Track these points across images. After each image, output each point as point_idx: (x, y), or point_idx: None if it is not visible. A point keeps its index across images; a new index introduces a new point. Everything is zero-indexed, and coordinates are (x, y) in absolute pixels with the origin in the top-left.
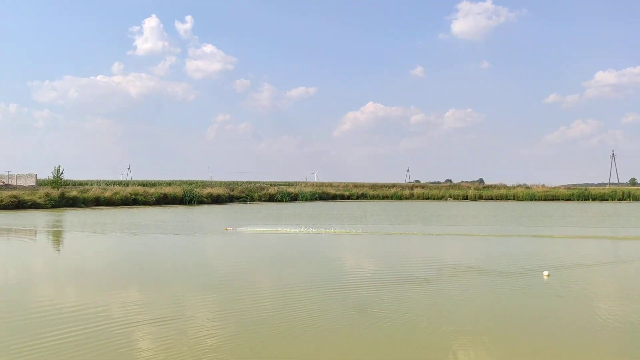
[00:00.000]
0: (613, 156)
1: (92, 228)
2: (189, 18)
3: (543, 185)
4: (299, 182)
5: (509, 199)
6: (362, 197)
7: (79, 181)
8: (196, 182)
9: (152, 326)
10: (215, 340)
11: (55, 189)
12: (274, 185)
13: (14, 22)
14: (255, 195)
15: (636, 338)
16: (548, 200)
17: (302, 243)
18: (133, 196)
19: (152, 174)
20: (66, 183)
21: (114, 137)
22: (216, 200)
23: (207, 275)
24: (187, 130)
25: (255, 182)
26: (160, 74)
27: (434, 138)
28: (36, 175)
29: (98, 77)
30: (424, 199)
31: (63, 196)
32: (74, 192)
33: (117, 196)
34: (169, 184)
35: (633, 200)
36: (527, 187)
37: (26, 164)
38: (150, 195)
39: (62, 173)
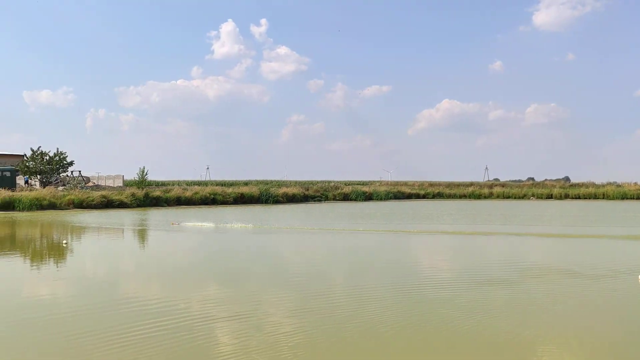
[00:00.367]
0: None
1: (175, 227)
2: (263, 21)
3: (635, 183)
4: (373, 181)
5: (597, 198)
6: (438, 196)
7: (162, 181)
8: (272, 181)
9: (229, 321)
10: (290, 336)
11: (140, 189)
12: (348, 184)
13: (103, 33)
14: (330, 194)
15: None
16: None
17: (377, 244)
18: (212, 196)
19: (230, 174)
20: (150, 183)
21: (193, 139)
22: (291, 199)
23: (283, 274)
24: (263, 130)
25: (329, 182)
26: (236, 77)
27: (515, 135)
28: (123, 176)
29: (178, 82)
30: (504, 198)
31: (147, 196)
32: (157, 192)
33: (197, 196)
34: (246, 183)
35: None
36: (618, 185)
37: (113, 165)
38: (228, 195)
39: (146, 174)
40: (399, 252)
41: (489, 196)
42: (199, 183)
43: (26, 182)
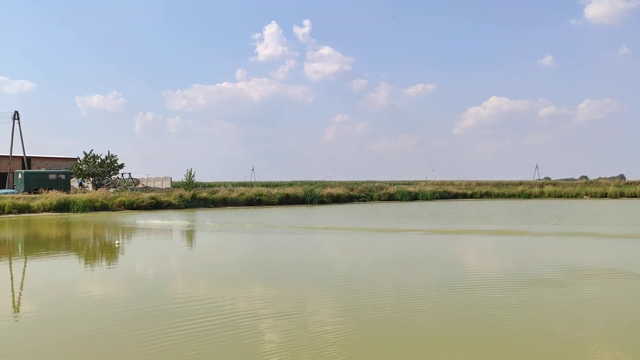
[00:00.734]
0: None
1: (222, 227)
2: (306, 22)
3: None
4: (419, 181)
5: None
6: (486, 195)
7: (208, 183)
8: (316, 182)
9: (274, 319)
10: (335, 335)
11: (188, 190)
12: (393, 184)
13: (150, 39)
14: (375, 194)
15: None
16: None
17: (422, 243)
18: (257, 197)
19: (274, 175)
20: (197, 185)
21: (238, 141)
22: (336, 200)
23: (328, 273)
24: (307, 131)
25: (374, 182)
26: (280, 78)
27: (566, 131)
28: (171, 178)
29: (223, 84)
30: (556, 197)
31: (194, 197)
32: (204, 194)
33: (243, 197)
34: (291, 184)
35: None
36: None
37: (161, 167)
38: (274, 196)
39: (193, 176)
40: (445, 252)
41: (540, 195)
42: (244, 184)
43: (80, 184)
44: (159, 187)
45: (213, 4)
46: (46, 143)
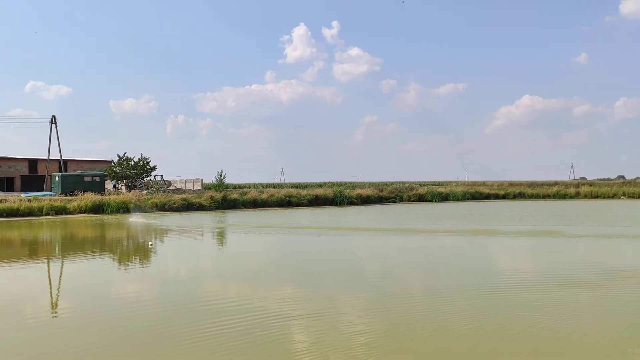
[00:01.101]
0: None
1: (253, 228)
2: (335, 23)
3: None
4: (449, 182)
5: None
6: (520, 196)
7: (238, 184)
8: (346, 183)
9: (305, 320)
10: (365, 336)
11: (218, 192)
12: (424, 185)
13: (180, 43)
14: (405, 195)
15: None
16: None
17: (453, 245)
18: (287, 198)
19: (303, 176)
20: (227, 186)
21: (267, 142)
22: (366, 201)
23: (358, 274)
24: (336, 132)
25: (404, 182)
26: (309, 80)
27: (602, 130)
28: (202, 179)
29: (253, 86)
30: (592, 197)
31: (225, 199)
32: (234, 195)
33: (273, 198)
34: (320, 185)
35: None
36: None
37: (192, 168)
38: (303, 197)
39: (224, 177)
40: (477, 253)
41: (576, 196)
42: (274, 185)
43: (114, 186)
44: (190, 188)
45: (242, 7)
46: (81, 146)
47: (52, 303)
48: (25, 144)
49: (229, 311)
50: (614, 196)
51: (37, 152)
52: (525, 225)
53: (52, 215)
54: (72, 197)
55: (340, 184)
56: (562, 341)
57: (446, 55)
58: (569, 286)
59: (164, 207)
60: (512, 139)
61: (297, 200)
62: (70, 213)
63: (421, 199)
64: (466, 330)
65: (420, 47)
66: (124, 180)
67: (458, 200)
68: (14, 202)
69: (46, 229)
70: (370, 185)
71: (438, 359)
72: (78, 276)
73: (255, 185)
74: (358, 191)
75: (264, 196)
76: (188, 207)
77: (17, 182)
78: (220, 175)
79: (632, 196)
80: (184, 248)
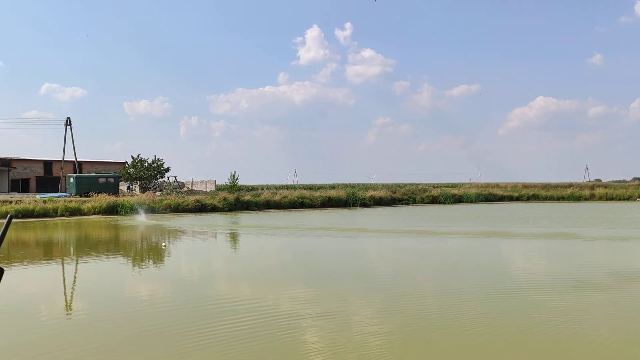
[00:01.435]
0: None
1: (266, 229)
2: (348, 25)
3: None
4: (463, 184)
5: None
6: (534, 198)
7: (251, 186)
8: (358, 185)
9: (316, 320)
10: (377, 337)
11: (231, 193)
12: (437, 187)
13: (194, 45)
14: (418, 197)
15: None
16: None
17: (466, 246)
18: (300, 199)
19: (316, 177)
20: (240, 188)
21: (280, 144)
22: (379, 202)
23: (370, 275)
24: (349, 134)
25: (417, 184)
26: (321, 81)
27: (617, 132)
28: (215, 181)
29: (266, 88)
30: (607, 199)
31: (238, 200)
32: (247, 197)
33: (286, 200)
34: (333, 187)
35: None
36: None
37: (205, 170)
38: (316, 199)
39: (237, 179)
40: (491, 255)
41: (590, 198)
42: (287, 187)
43: (128, 188)
44: (204, 190)
45: (255, 9)
46: (96, 148)
47: (66, 303)
48: (41, 146)
49: (241, 311)
50: (629, 198)
51: (52, 154)
52: (539, 227)
53: (66, 216)
54: (87, 199)
55: (353, 186)
56: (574, 342)
57: (459, 57)
58: (582, 288)
59: (177, 209)
60: (526, 140)
61: (310, 201)
62: (84, 214)
63: (434, 200)
64: (479, 331)
65: (433, 48)
66: (138, 182)
67: (471, 202)
68: (29, 204)
69: (61, 230)
70: (383, 187)
71: (450, 359)
72: (92, 276)
73: (268, 187)
74: (371, 193)
75: (276, 198)
76: (201, 208)
77: (33, 184)
78: (234, 176)
79: None
80: (197, 249)
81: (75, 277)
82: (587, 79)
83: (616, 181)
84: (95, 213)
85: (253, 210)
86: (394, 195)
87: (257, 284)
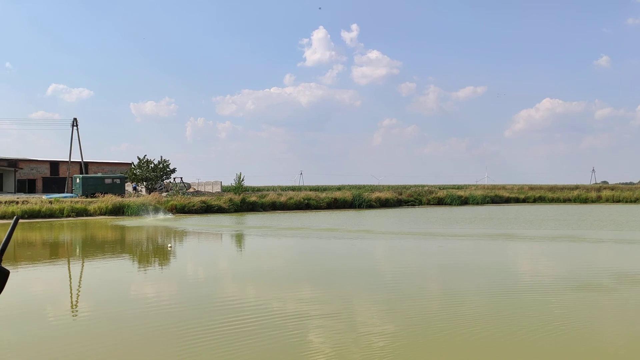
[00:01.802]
0: None
1: (271, 230)
2: (354, 26)
3: None
4: (469, 185)
5: None
6: (540, 200)
7: (257, 187)
8: (364, 186)
9: (321, 320)
10: (382, 337)
11: (237, 194)
12: (443, 188)
13: (200, 46)
14: (424, 198)
15: None
16: None
17: (471, 248)
18: (306, 201)
19: (322, 179)
20: (246, 189)
21: (286, 145)
22: (384, 204)
23: (375, 276)
24: (355, 135)
25: (423, 186)
26: (328, 83)
27: (624, 134)
28: (221, 182)
29: (272, 89)
30: (614, 201)
31: (244, 201)
32: (253, 198)
33: (292, 201)
34: (339, 188)
35: None
36: None
37: (211, 171)
38: (322, 200)
39: (242, 180)
40: (496, 257)
41: (597, 200)
42: (292, 188)
43: (134, 188)
44: (210, 191)
45: (261, 10)
46: (102, 148)
47: (72, 304)
48: (47, 146)
49: (246, 311)
50: (636, 200)
51: (59, 154)
52: (545, 230)
53: (72, 216)
54: (93, 199)
55: (359, 187)
56: (578, 343)
57: (465, 58)
58: (586, 290)
59: (183, 210)
60: (532, 142)
61: (316, 203)
62: (90, 215)
63: (440, 202)
64: (483, 332)
65: (439, 50)
66: (144, 183)
67: (478, 204)
68: (35, 204)
69: (67, 231)
70: (389, 188)
71: (452, 358)
72: (98, 276)
73: (274, 188)
74: (377, 194)
75: (282, 199)
76: (207, 209)
77: (39, 184)
78: (239, 177)
79: None
80: (203, 250)
81: (81, 277)
82: (594, 81)
83: (623, 183)
84: (101, 214)
85: (259, 211)
86: (399, 197)
87: (263, 285)
